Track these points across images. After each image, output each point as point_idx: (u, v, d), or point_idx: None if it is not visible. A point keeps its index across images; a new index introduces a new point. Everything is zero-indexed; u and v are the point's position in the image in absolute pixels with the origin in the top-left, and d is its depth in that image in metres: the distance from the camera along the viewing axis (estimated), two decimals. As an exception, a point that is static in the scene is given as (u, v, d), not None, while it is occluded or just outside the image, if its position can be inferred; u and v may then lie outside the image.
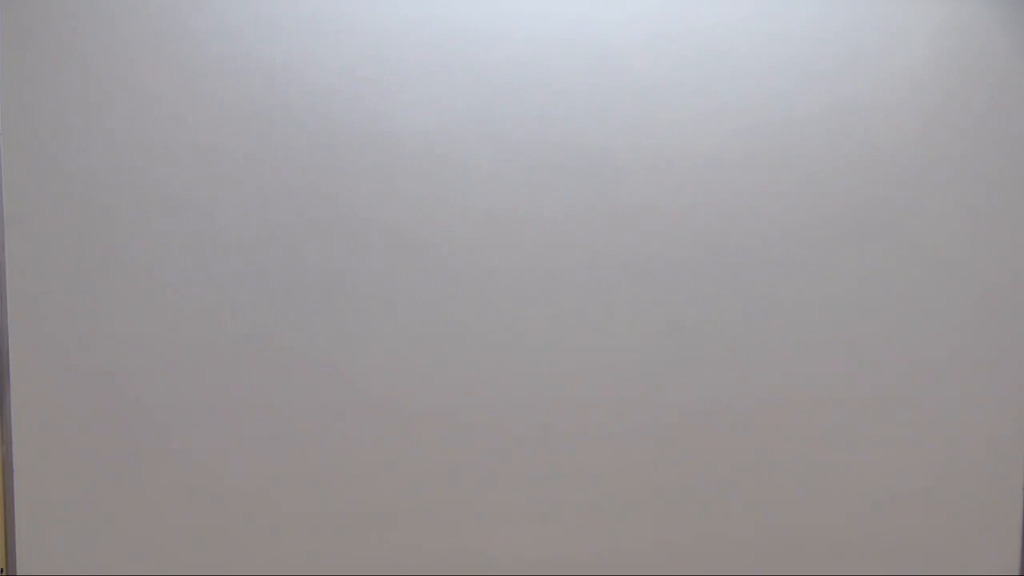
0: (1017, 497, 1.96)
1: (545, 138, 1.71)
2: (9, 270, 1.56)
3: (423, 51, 1.66)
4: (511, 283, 1.73)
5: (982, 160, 1.88)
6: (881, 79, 1.82)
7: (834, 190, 1.82)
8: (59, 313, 1.58)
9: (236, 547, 1.67)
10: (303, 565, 1.69)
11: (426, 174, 1.68)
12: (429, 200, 1.68)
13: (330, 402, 1.68)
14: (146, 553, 1.64)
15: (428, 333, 1.71)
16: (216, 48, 1.59)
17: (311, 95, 1.63)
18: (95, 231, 1.58)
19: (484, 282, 1.72)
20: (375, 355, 1.69)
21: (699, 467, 1.83)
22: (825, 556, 1.89)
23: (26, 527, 1.59)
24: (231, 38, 1.60)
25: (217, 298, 1.63)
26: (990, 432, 1.93)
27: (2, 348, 1.56)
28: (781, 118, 1.79)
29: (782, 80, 1.78)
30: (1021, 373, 1.94)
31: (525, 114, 1.70)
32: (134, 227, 1.59)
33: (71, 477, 1.60)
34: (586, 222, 1.74)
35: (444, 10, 1.66)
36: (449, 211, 1.69)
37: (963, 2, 1.84)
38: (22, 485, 1.58)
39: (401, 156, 1.67)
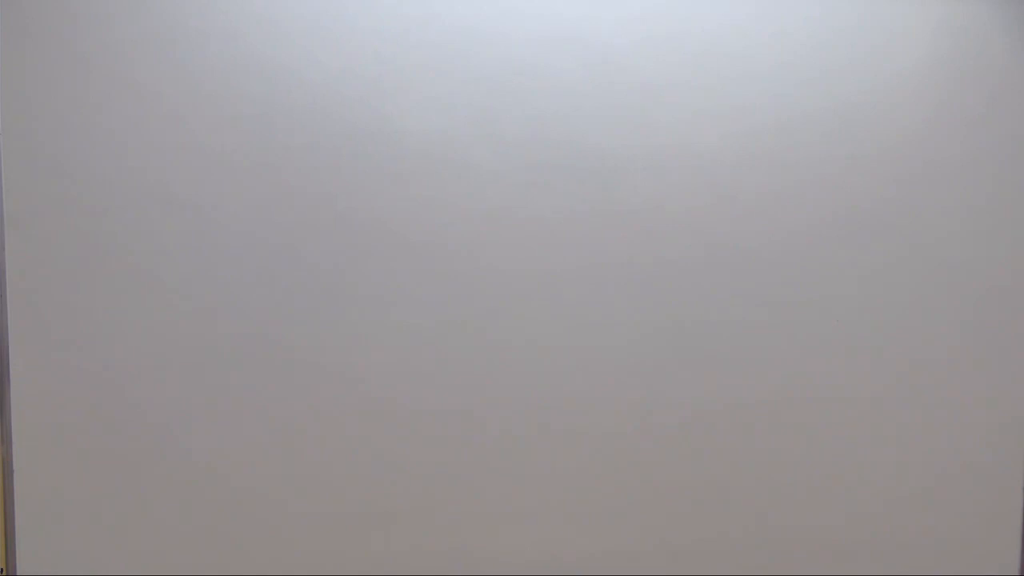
0: (1017, 497, 1.96)
1: (545, 138, 1.71)
2: (9, 270, 1.56)
3: (423, 51, 1.66)
4: (511, 283, 1.73)
5: (982, 160, 1.88)
6: (881, 79, 1.82)
7: (834, 190, 1.82)
8: (59, 313, 1.58)
9: (236, 547, 1.67)
10: (303, 565, 1.69)
11: (426, 174, 1.68)
12: (429, 200, 1.68)
13: (330, 402, 1.68)
14: (146, 553, 1.64)
15: (428, 333, 1.71)
16: (216, 48, 1.59)
17: (311, 95, 1.63)
18: (95, 231, 1.58)
19: (484, 282, 1.72)
20: (375, 355, 1.69)
21: (699, 467, 1.83)
22: (825, 556, 1.89)
23: (26, 527, 1.59)
24: (231, 38, 1.60)
25: (217, 298, 1.63)
26: (990, 432, 1.93)
27: (2, 348, 1.56)
28: (781, 118, 1.79)
29: (782, 80, 1.78)
30: (1021, 373, 1.94)
31: (525, 114, 1.70)
32: (134, 227, 1.59)
33: (71, 477, 1.60)
34: (586, 222, 1.74)
35: (444, 10, 1.66)
36: (449, 211, 1.69)
37: (963, 2, 1.84)
38: (22, 485, 1.58)
39: (401, 156, 1.67)
